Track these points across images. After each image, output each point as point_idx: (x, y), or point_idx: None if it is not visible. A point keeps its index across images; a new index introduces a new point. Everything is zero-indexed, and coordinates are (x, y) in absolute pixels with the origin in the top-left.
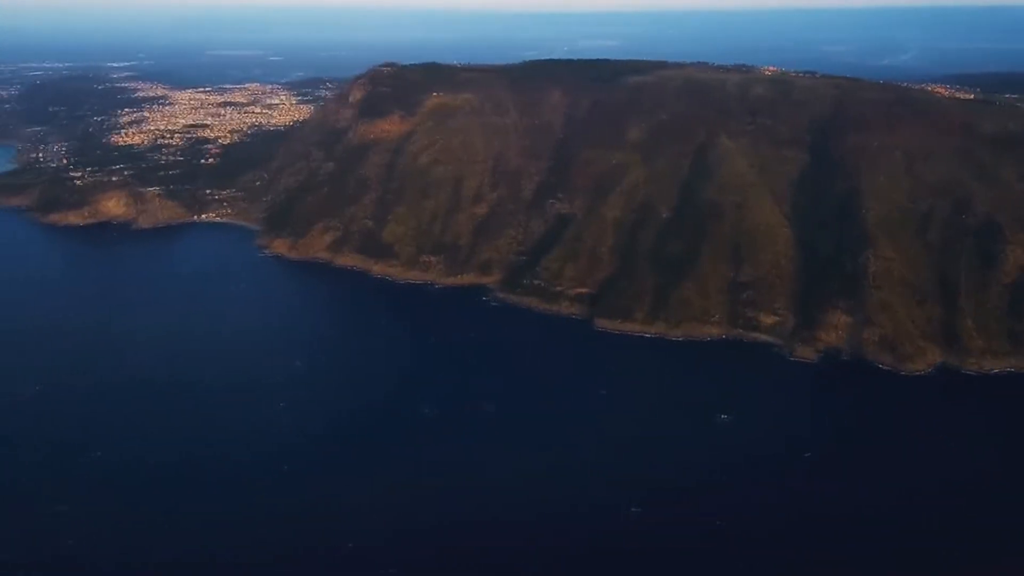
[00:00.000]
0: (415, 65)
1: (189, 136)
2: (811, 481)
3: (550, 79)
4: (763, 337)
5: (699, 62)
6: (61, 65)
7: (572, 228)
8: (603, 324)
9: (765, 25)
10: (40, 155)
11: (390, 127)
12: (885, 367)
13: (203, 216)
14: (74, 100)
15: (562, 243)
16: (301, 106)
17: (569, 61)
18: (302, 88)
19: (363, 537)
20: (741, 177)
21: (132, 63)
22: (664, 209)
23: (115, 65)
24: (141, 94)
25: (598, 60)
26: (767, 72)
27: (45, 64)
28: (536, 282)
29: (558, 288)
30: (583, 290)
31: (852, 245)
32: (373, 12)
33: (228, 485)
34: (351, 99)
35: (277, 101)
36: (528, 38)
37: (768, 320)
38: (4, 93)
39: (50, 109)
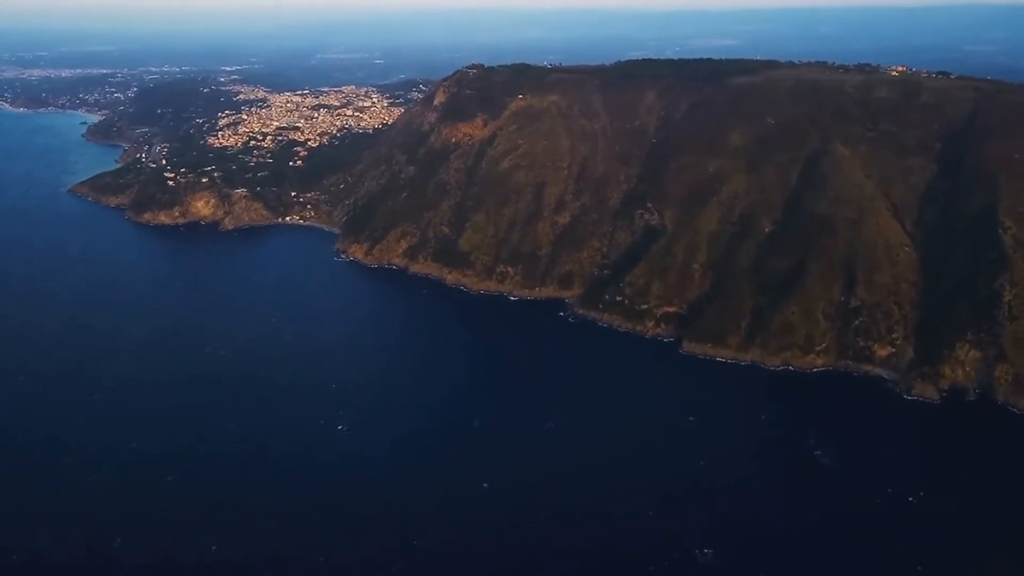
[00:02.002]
0: (502, 66)
1: (280, 138)
2: (916, 536)
3: (645, 80)
4: (876, 371)
5: (816, 62)
6: (177, 69)
7: (662, 241)
8: (691, 348)
9: (903, 23)
10: (143, 155)
11: (472, 131)
12: (1019, 411)
13: (287, 218)
14: (181, 102)
15: (650, 257)
16: (392, 109)
17: (669, 61)
18: (395, 91)
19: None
20: (858, 189)
21: (242, 67)
22: (767, 222)
23: (227, 68)
24: (242, 97)
25: (700, 59)
26: (893, 73)
27: (164, 68)
28: (619, 298)
29: (643, 306)
30: (671, 309)
31: (985, 269)
32: (485, 13)
33: (276, 483)
34: (435, 102)
35: (369, 103)
36: (640, 37)
37: (883, 351)
38: (120, 95)
39: (158, 111)
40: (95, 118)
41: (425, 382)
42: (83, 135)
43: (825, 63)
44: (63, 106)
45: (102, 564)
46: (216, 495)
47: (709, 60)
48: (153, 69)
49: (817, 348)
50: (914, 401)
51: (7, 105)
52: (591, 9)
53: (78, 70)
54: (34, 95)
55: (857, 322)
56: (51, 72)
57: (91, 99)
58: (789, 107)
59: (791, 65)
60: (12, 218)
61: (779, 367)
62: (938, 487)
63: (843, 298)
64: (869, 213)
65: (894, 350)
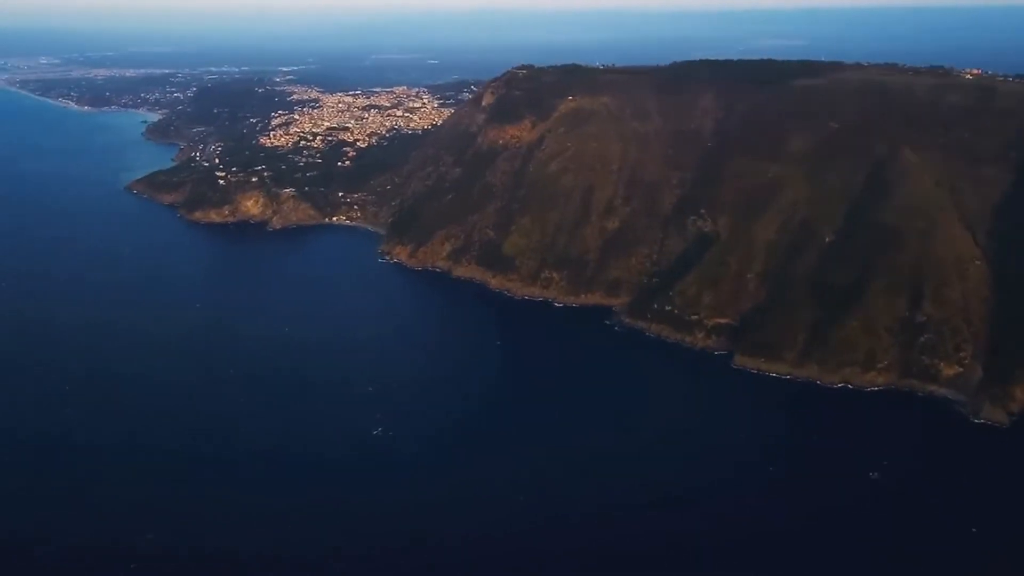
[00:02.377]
0: (552, 67)
1: (330, 138)
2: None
3: (702, 81)
4: (941, 391)
5: (886, 63)
6: (236, 69)
7: (715, 249)
8: (743, 362)
9: (986, 22)
10: (197, 154)
11: (519, 132)
12: None
13: (334, 219)
14: (237, 102)
15: (702, 265)
16: (442, 109)
17: (727, 62)
18: (446, 91)
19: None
20: (926, 198)
21: (299, 67)
22: (827, 232)
23: (283, 69)
24: (295, 97)
25: (760, 60)
26: (968, 76)
27: (223, 68)
28: (668, 308)
29: (693, 317)
30: (723, 321)
31: None
32: (545, 13)
33: (307, 481)
34: (483, 103)
35: (419, 104)
36: (702, 37)
37: (950, 371)
38: (180, 95)
39: (215, 111)
40: (155, 117)
41: (462, 388)
42: (142, 134)
43: (895, 65)
44: (125, 105)
45: (134, 555)
46: (243, 493)
47: (770, 61)
48: (213, 69)
49: (879, 365)
50: (981, 424)
51: (72, 104)
52: (653, 10)
53: (141, 70)
54: (99, 94)
55: (922, 339)
56: (116, 72)
57: (152, 98)
58: (854, 111)
59: (858, 67)
60: (69, 214)
61: (837, 384)
62: (1002, 518)
63: (908, 313)
64: (938, 224)
65: (961, 370)
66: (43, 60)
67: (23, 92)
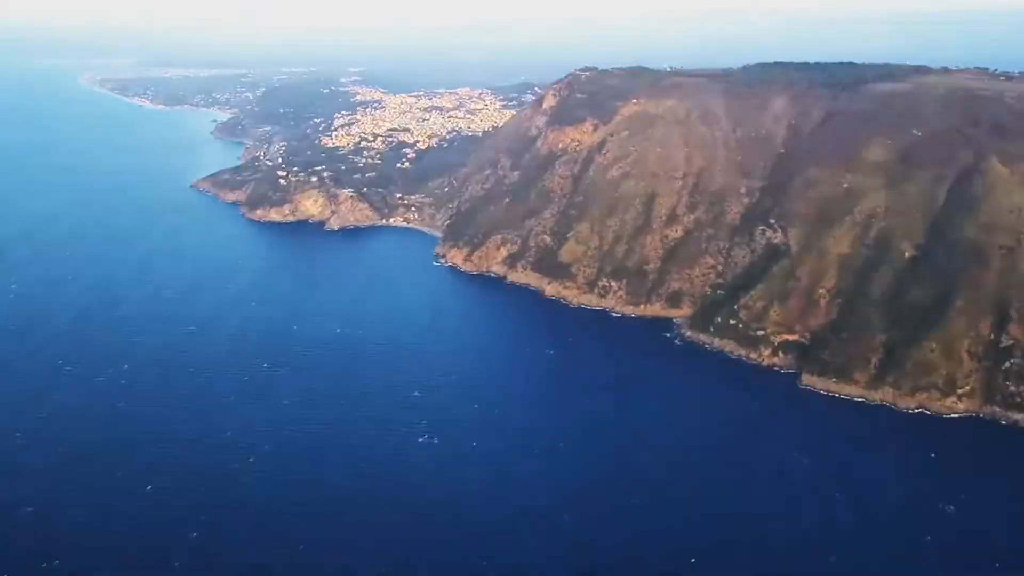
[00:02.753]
0: (616, 69)
1: (390, 140)
2: None
3: (774, 85)
4: None
5: (975, 68)
6: (304, 70)
7: (785, 262)
8: (811, 382)
9: None
10: (262, 154)
11: (580, 136)
12: None
13: (391, 220)
14: (302, 103)
15: (770, 278)
16: (504, 111)
17: (802, 64)
18: (509, 93)
19: None
20: (1016, 213)
21: (365, 68)
22: (907, 247)
23: (351, 69)
24: (359, 98)
25: (838, 63)
26: None
27: (293, 69)
28: (733, 322)
29: (760, 332)
30: (791, 338)
31: None
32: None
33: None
34: (544, 105)
35: (481, 106)
36: (772, 41)
37: None
38: (249, 95)
39: (281, 111)
40: (225, 116)
41: (511, 398)
42: (212, 132)
43: (985, 70)
44: (197, 104)
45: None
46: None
47: (849, 64)
48: (283, 71)
49: (959, 391)
50: None
51: (148, 103)
52: (718, 11)
53: (214, 70)
54: (173, 93)
55: (1008, 364)
56: (191, 72)
57: (223, 98)
58: (938, 118)
59: (944, 71)
60: (136, 210)
61: (913, 409)
62: None
63: (992, 336)
64: None
65: None
66: (121, 60)
67: (102, 91)
